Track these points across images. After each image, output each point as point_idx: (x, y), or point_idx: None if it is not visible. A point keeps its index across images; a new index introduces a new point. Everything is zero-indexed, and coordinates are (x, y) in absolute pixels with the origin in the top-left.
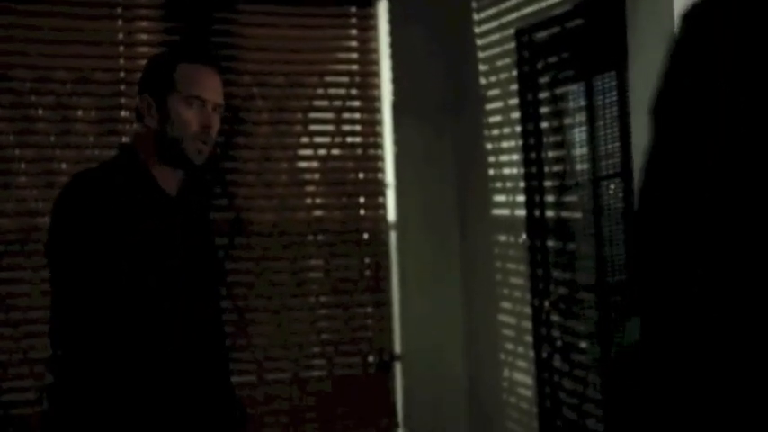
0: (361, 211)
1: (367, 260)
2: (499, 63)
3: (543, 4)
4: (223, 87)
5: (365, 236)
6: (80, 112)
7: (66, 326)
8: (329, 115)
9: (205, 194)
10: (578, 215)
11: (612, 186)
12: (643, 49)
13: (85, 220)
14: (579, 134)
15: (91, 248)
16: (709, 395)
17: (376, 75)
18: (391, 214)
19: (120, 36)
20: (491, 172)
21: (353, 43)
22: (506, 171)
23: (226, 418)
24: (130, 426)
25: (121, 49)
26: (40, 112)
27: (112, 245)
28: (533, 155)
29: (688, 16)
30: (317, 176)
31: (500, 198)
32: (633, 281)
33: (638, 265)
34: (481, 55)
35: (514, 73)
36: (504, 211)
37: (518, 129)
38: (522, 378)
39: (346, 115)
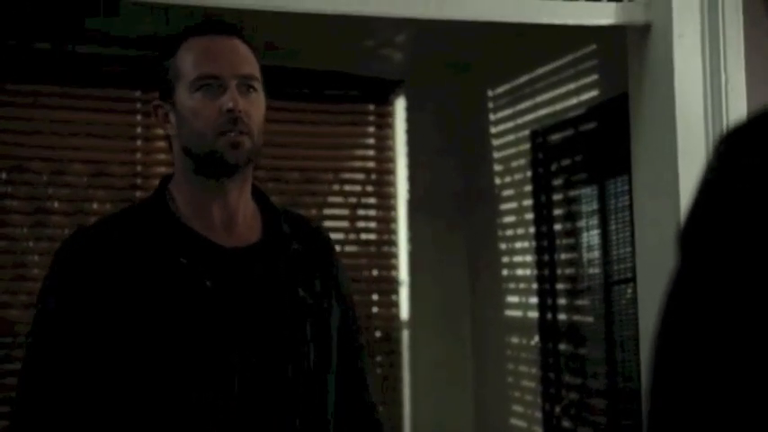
0: (374, 309)
1: (379, 358)
2: (514, 163)
3: (558, 107)
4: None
5: (377, 334)
6: (95, 205)
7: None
8: (344, 211)
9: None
10: (590, 319)
11: (629, 291)
12: (645, 156)
13: (58, 299)
14: (592, 237)
15: (58, 343)
16: None
17: (391, 172)
18: (404, 312)
19: (139, 130)
20: (504, 272)
21: (370, 140)
22: (519, 272)
23: None
24: None
25: (139, 143)
26: (56, 204)
27: (94, 330)
28: (546, 257)
29: (726, 141)
30: None
31: (513, 299)
32: (654, 414)
33: (657, 400)
34: (496, 155)
35: (528, 174)
36: (517, 313)
37: (531, 230)
38: None
39: (361, 212)
